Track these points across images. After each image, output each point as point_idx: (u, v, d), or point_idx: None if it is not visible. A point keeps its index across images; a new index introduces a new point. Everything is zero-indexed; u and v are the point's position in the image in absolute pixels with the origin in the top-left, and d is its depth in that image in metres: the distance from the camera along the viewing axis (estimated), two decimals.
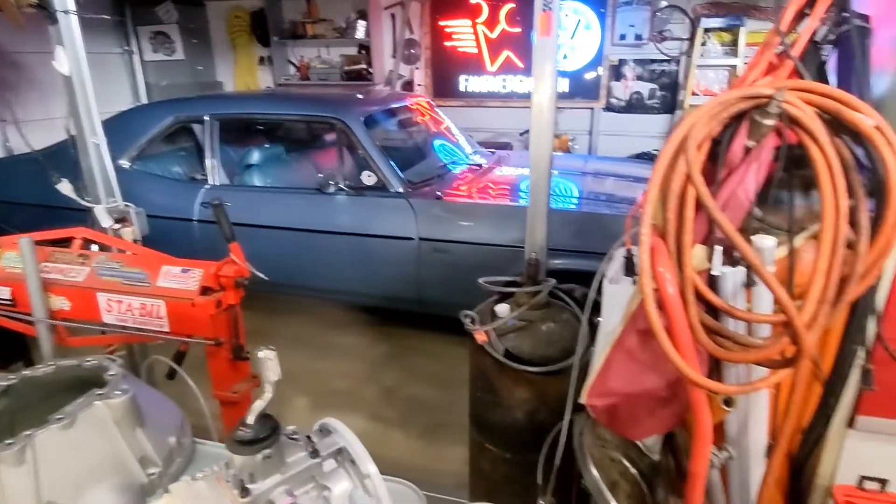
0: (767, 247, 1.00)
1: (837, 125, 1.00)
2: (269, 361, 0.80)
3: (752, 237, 1.03)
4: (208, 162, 3.55)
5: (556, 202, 3.35)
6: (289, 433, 0.86)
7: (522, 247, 1.81)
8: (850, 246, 0.99)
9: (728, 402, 1.02)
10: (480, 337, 1.60)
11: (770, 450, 1.18)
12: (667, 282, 0.95)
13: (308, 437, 0.92)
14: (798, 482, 1.28)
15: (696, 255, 1.04)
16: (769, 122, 1.00)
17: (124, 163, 3.55)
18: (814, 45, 1.22)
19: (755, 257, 0.90)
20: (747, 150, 1.04)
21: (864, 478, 1.12)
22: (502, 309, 1.65)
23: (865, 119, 0.96)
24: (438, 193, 3.22)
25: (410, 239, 3.14)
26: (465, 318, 1.66)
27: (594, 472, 1.28)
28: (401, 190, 3.22)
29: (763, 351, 0.91)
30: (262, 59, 6.61)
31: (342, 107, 3.51)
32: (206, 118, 3.56)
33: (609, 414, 1.18)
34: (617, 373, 1.10)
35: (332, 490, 0.88)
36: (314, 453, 0.85)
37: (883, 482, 1.12)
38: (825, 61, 1.35)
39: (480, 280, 1.67)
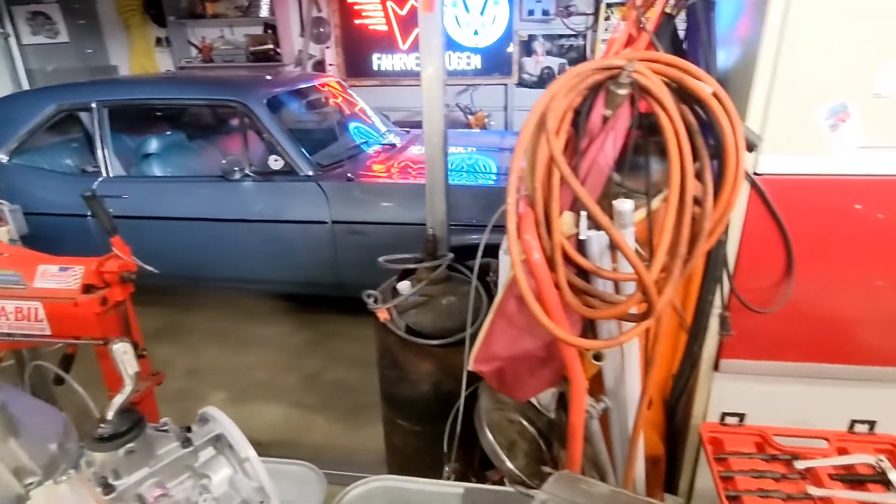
0: (626, 210, 1.07)
1: (683, 93, 1.08)
2: (123, 355, 0.77)
3: (613, 201, 1.09)
4: (100, 152, 3.32)
5: (475, 178, 3.40)
6: (158, 425, 0.84)
7: None
8: (701, 204, 1.08)
9: (598, 356, 1.09)
10: (382, 315, 1.61)
11: (644, 397, 1.28)
12: (532, 248, 1.00)
13: (188, 428, 0.91)
14: (673, 424, 1.40)
15: (564, 220, 1.10)
16: (622, 91, 1.06)
17: (2, 157, 3.26)
18: (668, 18, 1.29)
19: (606, 221, 0.96)
20: (605, 119, 1.10)
21: (725, 414, 1.23)
22: (403, 286, 1.67)
23: (704, 86, 1.03)
24: (350, 175, 3.18)
25: (323, 223, 3.09)
26: (367, 298, 1.67)
27: (488, 434, 1.33)
28: (310, 173, 3.15)
29: (620, 307, 0.97)
30: (159, 41, 6.20)
31: (243, 89, 3.37)
32: (94, 105, 3.31)
33: (498, 378, 1.23)
34: (499, 338, 1.15)
35: (212, 478, 0.87)
36: (186, 443, 0.83)
37: (741, 416, 1.25)
38: (684, 39, 1.45)
39: (380, 259, 1.69)
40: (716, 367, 1.36)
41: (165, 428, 0.84)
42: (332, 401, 2.97)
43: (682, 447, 1.46)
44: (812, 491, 1.11)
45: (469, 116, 5.89)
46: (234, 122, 3.90)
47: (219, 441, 0.91)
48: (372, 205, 3.14)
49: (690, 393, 1.39)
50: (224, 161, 3.13)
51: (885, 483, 1.12)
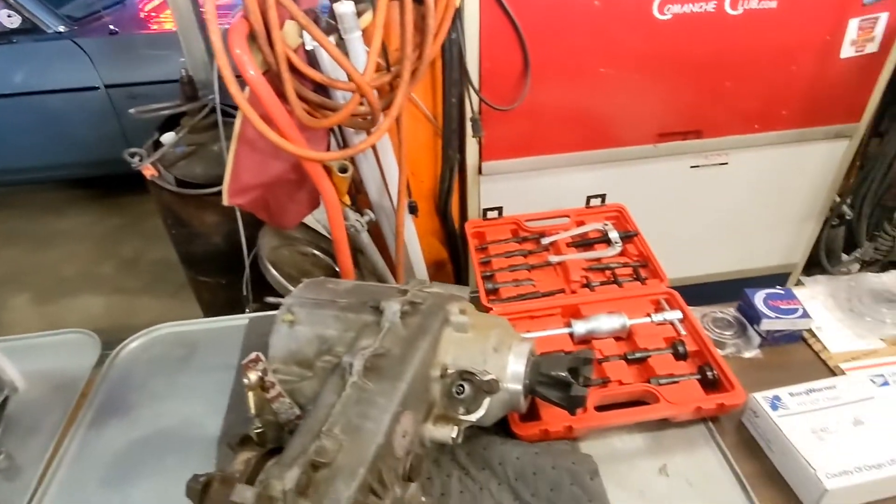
0: (345, 12, 1.03)
1: None
2: None
3: (333, 4, 1.04)
4: None
5: None
6: None
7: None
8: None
9: (343, 169, 1.11)
10: (148, 171, 1.49)
11: (412, 206, 1.37)
12: (245, 64, 0.94)
13: None
14: (448, 228, 1.52)
15: (287, 31, 1.03)
16: None
17: None
18: None
19: (309, 24, 0.92)
20: None
21: (486, 210, 1.36)
22: (167, 138, 1.54)
23: None
24: (113, 28, 2.71)
25: (94, 88, 2.67)
26: (129, 157, 1.52)
27: (270, 269, 1.36)
28: (61, 29, 2.63)
29: (339, 113, 0.97)
30: None
31: None
32: None
33: (263, 209, 1.22)
34: (246, 166, 1.11)
35: None
36: None
37: (500, 209, 1.38)
38: None
39: (133, 110, 1.51)
40: (480, 171, 1.47)
41: None
42: (157, 280, 2.84)
43: (465, 248, 1.61)
44: (551, 258, 1.30)
45: None
46: None
47: None
48: (153, 60, 2.74)
49: (463, 196, 1.50)
50: None
51: (607, 241, 1.34)
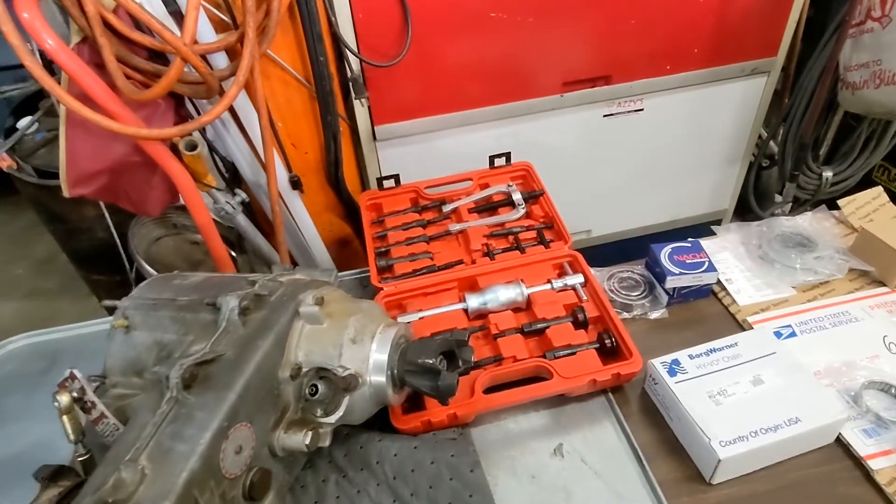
0: None
1: None
2: None
3: None
4: None
5: None
6: None
7: None
8: None
9: (191, 146, 0.98)
10: (4, 163, 1.33)
11: (295, 181, 1.24)
12: (38, 31, 0.79)
13: None
14: (346, 202, 1.40)
15: None
16: None
17: None
18: None
19: None
20: None
21: (380, 179, 1.24)
22: (25, 123, 1.37)
23: None
24: None
25: None
26: None
27: (144, 264, 1.24)
28: None
29: (161, 82, 0.84)
30: None
31: None
32: None
33: (123, 198, 1.08)
34: (83, 152, 0.97)
35: None
36: None
37: (396, 177, 1.26)
38: None
39: None
40: (374, 137, 1.35)
41: None
42: (75, 280, 2.64)
43: None
44: (452, 227, 1.19)
45: None
46: None
47: None
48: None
49: (362, 166, 1.38)
50: None
51: (512, 204, 1.24)
